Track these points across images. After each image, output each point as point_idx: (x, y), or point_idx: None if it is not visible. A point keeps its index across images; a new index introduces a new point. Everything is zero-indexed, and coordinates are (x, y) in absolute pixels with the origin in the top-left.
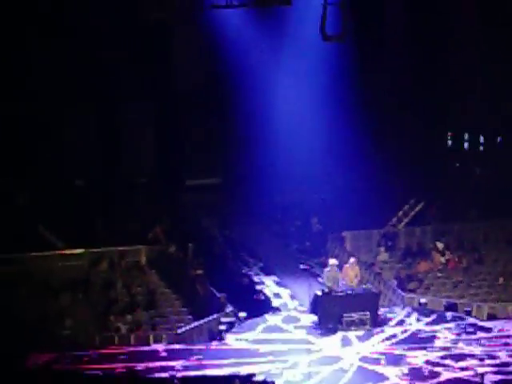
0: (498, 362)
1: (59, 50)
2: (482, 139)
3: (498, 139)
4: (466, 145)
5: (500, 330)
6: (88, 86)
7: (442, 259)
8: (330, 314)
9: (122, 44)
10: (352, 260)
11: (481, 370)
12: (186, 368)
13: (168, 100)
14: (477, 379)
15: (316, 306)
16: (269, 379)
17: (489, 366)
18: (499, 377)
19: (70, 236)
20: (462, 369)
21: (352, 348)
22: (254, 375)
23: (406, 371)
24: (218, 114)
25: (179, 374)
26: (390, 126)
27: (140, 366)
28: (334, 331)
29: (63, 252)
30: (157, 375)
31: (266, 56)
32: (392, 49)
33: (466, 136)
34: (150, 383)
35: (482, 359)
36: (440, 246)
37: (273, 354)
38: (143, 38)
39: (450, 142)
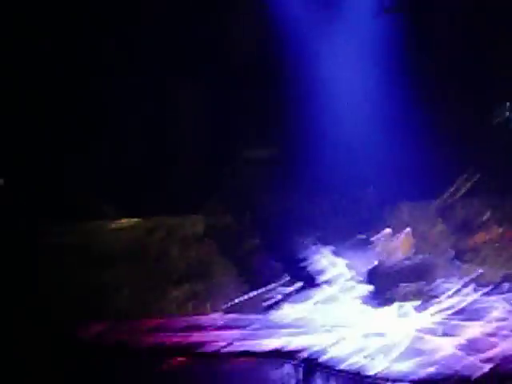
0: None
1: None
2: None
3: None
4: None
5: None
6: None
7: (499, 230)
8: (387, 284)
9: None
10: (407, 230)
11: None
12: (240, 339)
13: (218, 73)
14: None
15: (372, 276)
16: (322, 353)
17: None
18: None
19: (126, 205)
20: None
21: (409, 318)
22: (307, 349)
23: (463, 342)
24: (272, 87)
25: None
26: (446, 98)
27: (196, 336)
28: (390, 301)
29: (119, 221)
30: (211, 346)
31: (318, 30)
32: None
33: None
34: (205, 355)
35: None
36: (496, 217)
37: (328, 324)
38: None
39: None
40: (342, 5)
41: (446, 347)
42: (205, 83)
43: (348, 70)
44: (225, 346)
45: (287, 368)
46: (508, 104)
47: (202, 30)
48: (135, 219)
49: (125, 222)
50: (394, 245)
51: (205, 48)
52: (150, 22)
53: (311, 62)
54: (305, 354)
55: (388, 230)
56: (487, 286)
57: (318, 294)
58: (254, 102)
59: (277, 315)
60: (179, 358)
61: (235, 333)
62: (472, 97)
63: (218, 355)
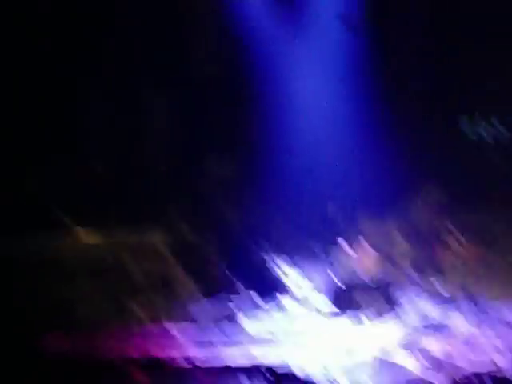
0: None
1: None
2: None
3: None
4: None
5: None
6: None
7: (460, 247)
8: (345, 297)
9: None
10: (365, 243)
11: (500, 361)
12: (200, 354)
13: (184, 86)
14: (496, 371)
15: (330, 289)
16: (288, 370)
17: (488, 349)
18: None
19: (84, 217)
20: (481, 359)
21: (368, 336)
22: (273, 366)
23: (424, 357)
24: (236, 101)
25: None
26: (406, 108)
27: (155, 351)
28: (348, 315)
29: (78, 233)
30: (172, 355)
31: (282, 40)
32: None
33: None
34: (165, 369)
35: (500, 349)
36: (457, 232)
37: (287, 335)
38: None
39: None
40: (308, 20)
41: (407, 363)
42: (168, 97)
43: (312, 85)
44: (182, 359)
45: (248, 380)
46: (476, 114)
47: (165, 44)
48: (95, 231)
49: (84, 233)
50: (352, 257)
51: (168, 62)
52: (112, 34)
53: (276, 76)
54: (262, 368)
55: (345, 242)
56: (448, 299)
57: (275, 307)
58: (216, 116)
59: (234, 328)
60: (136, 371)
61: (193, 346)
62: (436, 107)
63: (174, 368)
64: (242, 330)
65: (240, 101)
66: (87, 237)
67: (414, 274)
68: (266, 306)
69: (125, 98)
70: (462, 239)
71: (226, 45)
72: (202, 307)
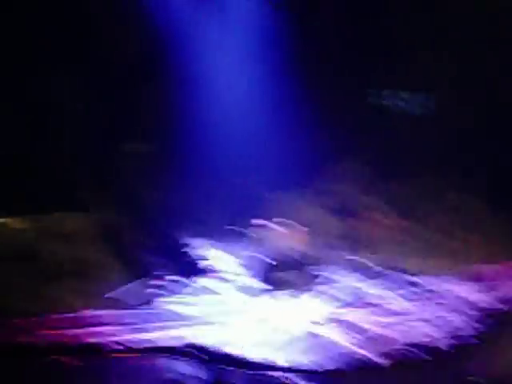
0: (444, 321)
1: None
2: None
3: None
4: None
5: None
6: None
7: (383, 216)
8: (268, 274)
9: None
10: (289, 219)
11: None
12: (119, 333)
13: (96, 68)
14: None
15: (253, 266)
16: (217, 347)
17: (418, 320)
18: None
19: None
20: (409, 330)
21: (296, 310)
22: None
23: (349, 331)
24: (153, 82)
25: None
26: (322, 82)
27: (71, 333)
28: (272, 291)
29: (3, 219)
30: (90, 340)
31: (200, 20)
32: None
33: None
34: (87, 352)
35: (428, 319)
36: (377, 203)
37: (204, 315)
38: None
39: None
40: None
41: (338, 337)
42: (83, 79)
43: (229, 65)
44: (106, 342)
45: (166, 362)
46: (385, 91)
47: (82, 29)
48: (16, 217)
49: (6, 220)
50: (275, 234)
51: (84, 45)
52: (26, 21)
53: (193, 57)
54: (187, 347)
55: (268, 220)
56: (372, 273)
57: (199, 286)
58: (133, 97)
59: (158, 309)
60: (60, 355)
61: (116, 328)
62: (348, 83)
63: (98, 351)
64: (170, 312)
65: (157, 82)
66: (13, 223)
67: (337, 249)
68: (193, 288)
69: (37, 83)
70: (385, 211)
71: (143, 27)
72: (128, 291)
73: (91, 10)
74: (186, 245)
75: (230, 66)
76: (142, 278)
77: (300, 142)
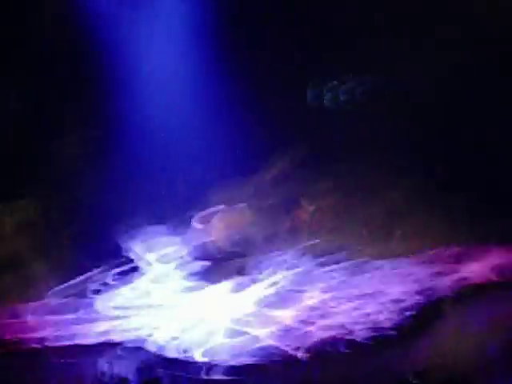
0: (367, 312)
1: None
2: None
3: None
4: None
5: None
6: None
7: (329, 201)
8: (213, 262)
9: None
10: (235, 206)
11: (353, 314)
12: (54, 336)
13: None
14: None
15: (198, 254)
16: (139, 344)
17: (359, 310)
18: (369, 328)
19: None
20: (333, 322)
21: (222, 304)
22: (124, 342)
23: (294, 314)
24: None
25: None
26: (254, 74)
27: (9, 328)
28: (218, 279)
29: None
30: (25, 344)
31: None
32: None
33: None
34: (19, 353)
35: (350, 310)
36: (304, 202)
37: (144, 308)
38: None
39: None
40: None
41: (260, 333)
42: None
43: (164, 60)
44: (41, 338)
45: (107, 355)
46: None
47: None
48: None
49: None
50: (220, 222)
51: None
52: None
53: (126, 52)
54: (129, 340)
55: (213, 209)
56: (319, 257)
57: (141, 277)
58: (67, 92)
59: (98, 301)
60: None
61: (48, 330)
62: (290, 72)
63: (31, 353)
64: (92, 307)
65: (90, 76)
66: None
67: (284, 234)
68: (117, 282)
69: None
70: (330, 197)
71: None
72: (53, 286)
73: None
74: (130, 235)
75: (163, 56)
76: (82, 276)
77: (241, 132)
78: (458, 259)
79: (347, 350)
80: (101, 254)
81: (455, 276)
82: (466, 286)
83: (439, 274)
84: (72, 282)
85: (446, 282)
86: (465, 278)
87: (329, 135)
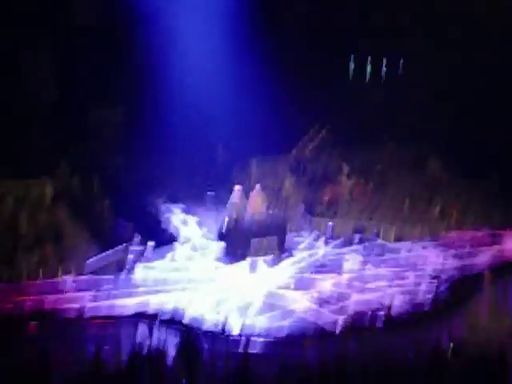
0: (406, 282)
1: None
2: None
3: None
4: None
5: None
6: None
7: (349, 183)
8: (238, 240)
9: None
10: (258, 186)
11: (389, 291)
12: (94, 302)
13: (65, 34)
14: (385, 305)
15: (223, 232)
16: (178, 311)
17: (397, 286)
18: (407, 297)
19: None
20: (371, 290)
21: (260, 275)
22: (163, 309)
23: (315, 295)
24: (119, 49)
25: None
26: (292, 54)
27: (48, 301)
28: (242, 257)
29: None
30: (65, 310)
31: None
32: None
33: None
34: (60, 319)
35: (389, 282)
36: (345, 169)
37: (181, 282)
38: None
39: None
40: None
41: (300, 301)
42: (50, 47)
43: (203, 43)
44: (78, 310)
45: (143, 328)
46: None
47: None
48: None
49: None
50: (245, 201)
51: (48, 10)
52: None
53: (162, 26)
54: (162, 314)
55: (238, 187)
56: (338, 238)
57: (171, 253)
58: (101, 64)
59: (131, 275)
60: (32, 323)
61: (90, 295)
62: (322, 52)
63: (71, 318)
64: (130, 278)
65: (126, 49)
66: None
67: (306, 214)
68: (155, 254)
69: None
70: (352, 179)
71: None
72: (102, 258)
73: None
74: (159, 212)
75: (197, 38)
76: (116, 246)
77: (271, 108)
78: (495, 239)
79: (383, 325)
80: (139, 225)
81: (492, 253)
82: (504, 263)
83: (477, 251)
84: (110, 252)
85: (483, 259)
86: (502, 256)
87: (365, 115)
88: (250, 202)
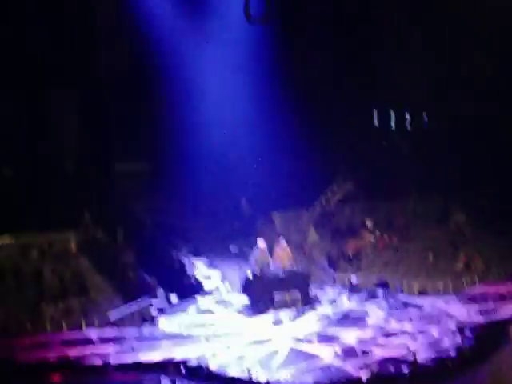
0: (429, 338)
1: None
2: (408, 117)
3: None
4: (392, 123)
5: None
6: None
7: (372, 237)
8: (261, 295)
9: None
10: (282, 242)
11: (413, 346)
12: (118, 353)
13: (91, 86)
14: (409, 356)
15: (246, 287)
16: (202, 363)
17: (421, 340)
18: (431, 353)
19: None
20: (394, 346)
21: (284, 328)
22: (187, 361)
23: (339, 349)
24: (143, 101)
25: (112, 360)
26: (316, 105)
27: (73, 353)
28: (265, 312)
29: None
30: (90, 361)
31: (191, 40)
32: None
33: (392, 114)
34: (84, 370)
35: (413, 336)
36: (369, 223)
37: (205, 336)
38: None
39: (376, 120)
40: (214, 14)
41: (323, 355)
42: (75, 98)
43: (221, 82)
44: (102, 361)
45: (166, 381)
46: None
47: (74, 44)
48: (8, 238)
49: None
50: (268, 255)
51: (76, 62)
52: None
53: (183, 74)
54: (185, 366)
55: (261, 241)
56: (361, 292)
57: (194, 307)
58: (125, 115)
59: (154, 328)
60: (57, 374)
61: (112, 347)
62: (345, 103)
63: (96, 370)
64: (156, 325)
65: (150, 101)
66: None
67: (330, 267)
68: (180, 301)
69: (31, 99)
70: (375, 231)
71: (136, 45)
72: (126, 310)
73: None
74: (182, 265)
75: (221, 83)
76: (140, 298)
77: (298, 163)
78: None
79: (407, 378)
80: (162, 277)
81: None
82: None
83: (500, 304)
84: (133, 304)
85: (507, 312)
86: None
87: (389, 166)
88: (275, 256)
